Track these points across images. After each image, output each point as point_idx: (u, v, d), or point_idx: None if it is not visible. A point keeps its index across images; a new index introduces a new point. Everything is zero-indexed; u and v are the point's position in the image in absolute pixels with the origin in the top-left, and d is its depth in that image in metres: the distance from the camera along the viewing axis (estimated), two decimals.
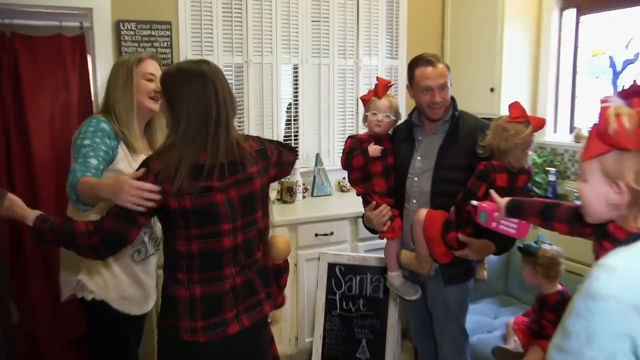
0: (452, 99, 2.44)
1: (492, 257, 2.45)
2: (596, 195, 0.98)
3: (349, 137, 2.60)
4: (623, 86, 2.75)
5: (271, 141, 2.04)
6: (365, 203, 2.55)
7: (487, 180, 2.14)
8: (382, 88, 2.47)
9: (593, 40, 3.55)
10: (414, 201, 2.44)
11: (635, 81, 2.75)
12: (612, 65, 3.24)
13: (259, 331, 1.91)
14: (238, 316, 1.80)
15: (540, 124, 2.16)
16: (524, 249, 2.52)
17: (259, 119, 3.70)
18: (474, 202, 2.03)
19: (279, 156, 2.01)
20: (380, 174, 2.50)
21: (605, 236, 1.32)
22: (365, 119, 2.54)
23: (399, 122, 2.56)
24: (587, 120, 3.60)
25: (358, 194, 2.59)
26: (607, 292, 0.72)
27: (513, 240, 2.32)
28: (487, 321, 3.03)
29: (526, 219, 1.86)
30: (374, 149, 2.44)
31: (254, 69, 3.64)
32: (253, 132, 3.68)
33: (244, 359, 1.86)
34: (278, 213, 3.34)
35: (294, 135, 3.85)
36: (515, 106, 2.16)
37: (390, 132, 2.57)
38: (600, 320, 0.73)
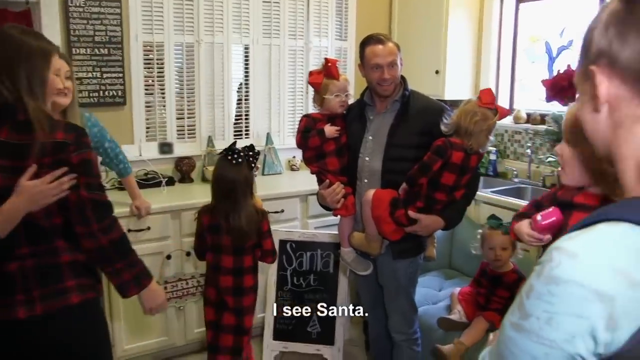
0: (403, 79, 2.51)
1: (437, 232, 2.55)
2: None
3: (304, 116, 2.66)
4: (558, 70, 2.96)
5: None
6: (319, 181, 2.60)
7: (443, 156, 2.22)
8: (336, 69, 2.51)
9: (531, 27, 3.74)
10: (365, 180, 2.50)
11: (569, 66, 2.96)
12: (548, 51, 3.44)
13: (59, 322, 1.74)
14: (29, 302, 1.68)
15: (505, 113, 2.29)
16: (501, 225, 2.62)
17: (209, 98, 3.73)
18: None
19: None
20: (333, 153, 2.55)
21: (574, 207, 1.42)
22: (319, 100, 2.57)
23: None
24: (525, 103, 3.80)
25: (312, 173, 2.64)
26: (569, 277, 0.72)
27: (461, 215, 2.47)
28: (433, 293, 3.17)
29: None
30: (330, 130, 2.50)
31: (205, 49, 3.66)
32: (204, 111, 3.73)
33: (28, 349, 1.71)
34: None
35: (245, 115, 3.91)
36: (486, 92, 2.25)
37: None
38: (562, 304, 0.73)
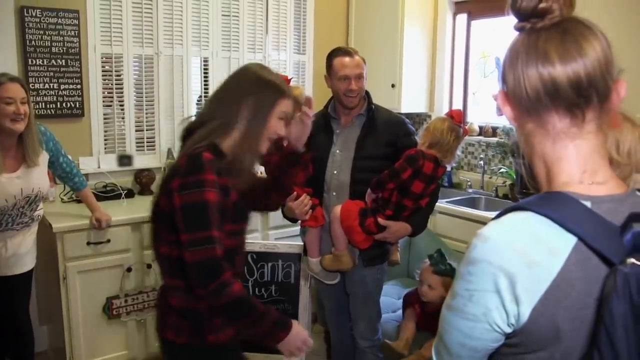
0: (367, 94, 2.62)
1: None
2: None
3: None
4: None
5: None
6: None
7: (414, 165, 2.33)
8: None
9: (482, 43, 3.93)
10: (334, 193, 2.58)
11: None
12: (498, 66, 3.58)
13: None
14: None
15: (466, 133, 2.48)
16: (439, 264, 2.75)
17: (169, 110, 3.78)
18: None
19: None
20: None
21: None
22: None
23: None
24: (478, 116, 3.99)
25: None
26: (482, 257, 0.86)
27: (426, 222, 2.60)
28: (391, 302, 3.30)
29: None
30: None
31: (164, 61, 3.71)
32: (164, 123, 3.77)
33: None
34: None
35: None
36: (458, 113, 2.42)
37: None
38: (478, 281, 0.87)
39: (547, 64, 0.85)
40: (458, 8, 3.94)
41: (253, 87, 1.77)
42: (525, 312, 0.84)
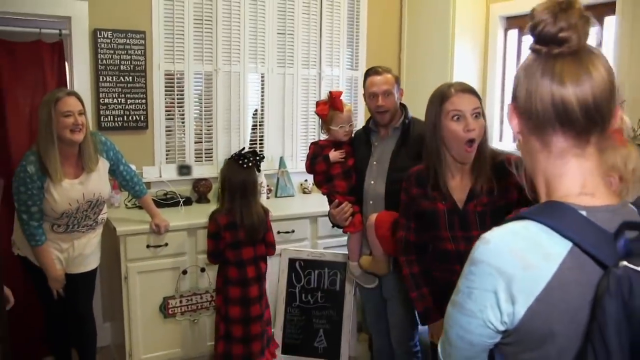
0: (404, 107, 2.76)
1: None
2: None
3: (312, 143, 2.95)
4: None
5: None
6: (330, 202, 2.86)
7: None
8: (340, 102, 2.79)
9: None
10: (371, 202, 2.74)
11: None
12: None
13: None
14: None
15: None
16: None
17: (226, 123, 4.03)
18: None
19: None
20: (340, 176, 2.82)
21: None
22: (326, 130, 2.86)
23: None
24: None
25: (323, 194, 2.92)
26: (482, 258, 0.94)
27: None
28: None
29: None
30: (334, 156, 2.79)
31: (222, 77, 3.97)
32: (221, 136, 4.02)
33: None
34: None
35: (260, 140, 4.19)
36: None
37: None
38: (477, 280, 0.95)
39: (560, 85, 0.91)
40: (509, 23, 4.00)
41: None
42: (520, 312, 0.90)
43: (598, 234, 0.89)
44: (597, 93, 0.91)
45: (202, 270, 3.42)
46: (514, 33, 4.02)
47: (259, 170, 3.01)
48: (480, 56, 4.12)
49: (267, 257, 3.15)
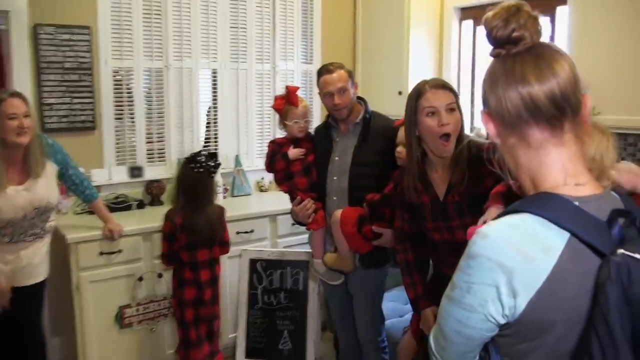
0: (364, 101, 2.77)
1: None
2: None
3: (270, 142, 2.94)
4: None
5: None
6: (292, 199, 2.85)
7: None
8: (296, 96, 2.79)
9: (489, 49, 3.98)
10: (335, 198, 2.75)
11: None
12: None
13: None
14: None
15: None
16: None
17: (178, 121, 3.92)
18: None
19: None
20: (300, 173, 2.82)
21: None
22: (282, 125, 2.86)
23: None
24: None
25: (284, 192, 2.90)
26: (481, 253, 0.96)
27: None
28: (399, 307, 3.39)
29: None
30: (293, 153, 2.79)
31: (174, 73, 3.86)
32: (174, 135, 3.91)
33: None
34: None
35: (214, 138, 4.10)
36: None
37: (311, 130, 2.90)
38: (476, 275, 0.96)
39: (526, 84, 0.97)
40: (464, 14, 4.02)
41: None
42: (522, 305, 0.93)
43: (592, 223, 0.92)
44: (562, 85, 0.97)
45: (159, 275, 3.32)
46: (469, 24, 4.04)
47: (212, 177, 2.97)
48: (435, 47, 4.14)
49: (221, 256, 3.13)
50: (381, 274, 2.83)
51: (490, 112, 1.04)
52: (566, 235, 0.92)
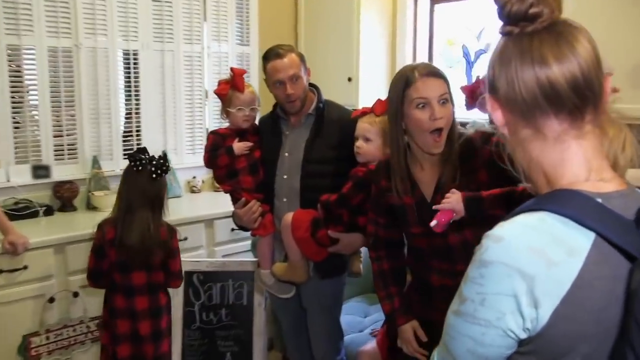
0: (317, 89, 2.57)
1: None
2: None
3: (210, 133, 2.70)
4: (478, 76, 2.97)
5: None
6: (234, 200, 2.61)
7: (365, 190, 2.20)
8: (241, 80, 2.54)
9: (447, 30, 3.84)
10: (284, 199, 2.55)
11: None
12: (466, 55, 3.49)
13: None
14: None
15: None
16: None
17: (93, 111, 3.48)
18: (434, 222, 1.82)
19: None
20: (246, 170, 2.57)
21: None
22: (225, 113, 2.60)
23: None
24: None
25: (225, 192, 2.65)
26: (496, 259, 0.88)
27: None
28: (358, 320, 3.17)
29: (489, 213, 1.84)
30: (239, 147, 2.53)
31: (86, 54, 3.40)
32: (88, 127, 3.47)
33: None
34: None
35: (136, 130, 3.68)
36: (383, 104, 2.22)
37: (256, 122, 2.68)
38: (491, 284, 0.88)
39: (544, 66, 0.90)
40: None
41: None
42: (545, 316, 0.86)
43: (619, 222, 0.87)
44: (584, 68, 0.90)
45: (75, 295, 2.92)
46: (425, 1, 3.87)
47: (155, 179, 2.52)
48: (388, 28, 3.92)
49: (171, 287, 2.74)
50: (339, 284, 2.67)
51: (500, 97, 0.96)
52: (592, 235, 0.85)
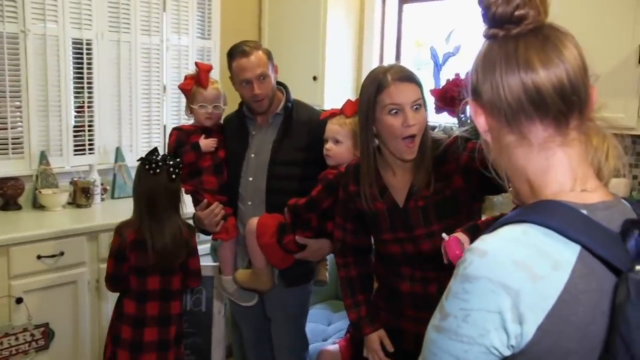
0: (285, 88, 2.50)
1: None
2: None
3: (174, 129, 2.58)
4: (447, 79, 2.90)
5: None
6: (195, 202, 2.52)
7: (334, 193, 2.13)
8: (205, 75, 2.46)
9: (416, 31, 3.80)
10: (249, 202, 2.46)
11: (457, 74, 2.91)
12: (434, 57, 3.41)
13: None
14: None
15: None
16: None
17: (41, 103, 3.25)
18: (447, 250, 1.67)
19: None
20: (210, 170, 2.50)
21: None
22: (189, 110, 2.52)
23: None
24: None
25: (186, 193, 2.55)
26: (480, 273, 0.85)
27: None
28: (321, 328, 3.11)
29: None
30: (206, 144, 2.46)
31: (33, 41, 3.16)
32: (35, 121, 3.24)
33: None
34: (72, 220, 3.08)
35: (88, 125, 3.46)
36: (353, 105, 2.17)
37: (220, 121, 2.58)
38: (475, 300, 0.85)
39: (530, 70, 0.88)
40: None
41: None
42: (529, 332, 0.83)
43: (604, 234, 0.85)
44: (571, 73, 0.88)
45: (18, 301, 2.72)
46: (393, 1, 3.80)
47: (172, 179, 2.41)
48: (355, 27, 3.83)
49: (188, 288, 2.70)
50: (305, 292, 2.58)
51: (483, 103, 0.94)
52: (577, 248, 0.83)
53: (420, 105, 1.79)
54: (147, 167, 2.42)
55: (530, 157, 0.93)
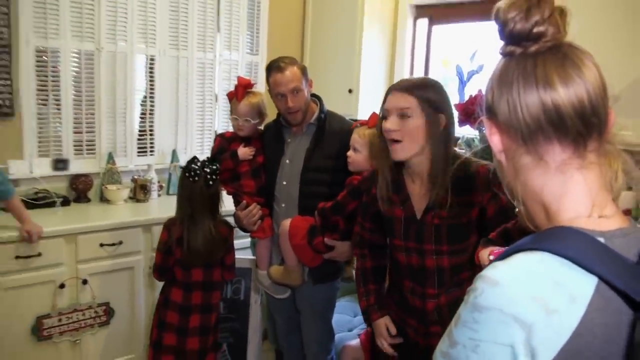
0: (319, 99, 2.53)
1: None
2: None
3: (217, 136, 2.65)
4: (470, 95, 3.00)
5: None
6: (236, 203, 2.58)
7: (359, 198, 2.16)
8: (241, 90, 2.51)
9: (443, 50, 3.83)
10: (283, 204, 2.51)
11: (480, 90, 3.01)
12: (459, 74, 3.52)
13: None
14: None
15: None
16: None
17: (110, 110, 3.49)
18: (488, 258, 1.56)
19: None
20: (248, 174, 2.55)
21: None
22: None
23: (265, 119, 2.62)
24: None
25: (228, 194, 2.63)
26: (491, 304, 0.77)
27: None
28: (347, 319, 3.16)
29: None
30: (244, 152, 2.51)
31: (106, 58, 3.41)
32: (105, 125, 3.48)
33: None
34: (131, 213, 3.23)
35: (149, 130, 3.69)
36: (376, 117, 2.18)
37: (261, 128, 2.63)
38: (486, 331, 0.77)
39: (549, 88, 0.80)
40: (419, 12, 3.81)
41: None
42: None
43: (622, 265, 0.76)
44: (591, 92, 0.80)
45: (84, 282, 2.91)
46: (423, 22, 3.84)
47: (209, 185, 2.49)
48: (388, 45, 3.89)
49: (224, 282, 2.81)
50: (332, 289, 2.63)
51: (499, 121, 0.85)
52: (594, 279, 0.74)
53: (406, 114, 1.76)
54: (187, 174, 2.49)
55: (546, 180, 0.84)
